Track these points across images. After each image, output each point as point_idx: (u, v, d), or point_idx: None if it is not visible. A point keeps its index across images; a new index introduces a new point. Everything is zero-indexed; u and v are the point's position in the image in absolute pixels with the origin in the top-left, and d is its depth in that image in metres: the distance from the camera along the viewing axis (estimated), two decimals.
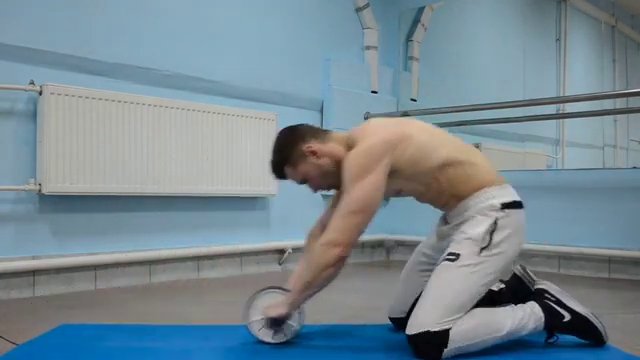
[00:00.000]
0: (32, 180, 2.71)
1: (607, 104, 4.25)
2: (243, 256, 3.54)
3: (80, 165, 2.79)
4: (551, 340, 1.86)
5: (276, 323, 1.86)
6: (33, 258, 2.73)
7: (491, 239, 1.75)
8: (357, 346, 1.90)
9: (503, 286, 1.98)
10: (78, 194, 2.82)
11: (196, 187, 3.23)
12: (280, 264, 3.72)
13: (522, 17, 5.03)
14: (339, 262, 1.76)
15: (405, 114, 4.04)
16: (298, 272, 1.98)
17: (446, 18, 4.74)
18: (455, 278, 1.73)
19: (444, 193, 1.85)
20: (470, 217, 1.79)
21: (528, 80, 4.67)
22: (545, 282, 1.92)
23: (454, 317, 1.68)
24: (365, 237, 2.29)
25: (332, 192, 3.76)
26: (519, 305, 1.82)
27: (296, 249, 3.75)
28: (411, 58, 4.51)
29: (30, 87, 2.70)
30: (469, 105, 3.94)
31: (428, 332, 1.67)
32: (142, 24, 3.13)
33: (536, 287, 1.91)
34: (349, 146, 1.84)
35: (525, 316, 1.78)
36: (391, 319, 2.07)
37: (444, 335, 1.66)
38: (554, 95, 4.74)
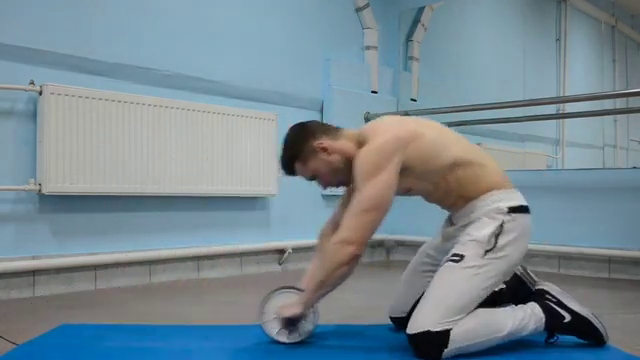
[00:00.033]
0: (32, 180, 2.71)
1: (607, 104, 4.25)
2: (243, 256, 3.54)
3: (80, 165, 2.79)
4: (551, 340, 1.86)
5: (291, 323, 1.86)
6: (33, 258, 2.73)
7: (496, 242, 1.75)
8: (357, 346, 1.90)
9: (504, 286, 1.98)
10: (78, 194, 2.82)
11: (196, 187, 3.23)
12: (280, 264, 3.72)
13: (522, 17, 5.03)
14: (353, 260, 1.76)
15: (405, 114, 4.04)
16: (311, 272, 1.98)
17: (446, 18, 4.74)
18: (458, 279, 1.73)
19: (452, 193, 1.85)
20: (476, 219, 1.79)
21: (528, 80, 4.67)
22: (546, 283, 1.92)
23: (455, 318, 1.68)
24: None
25: (333, 192, 3.75)
26: (520, 306, 1.82)
27: (296, 249, 3.75)
28: (411, 58, 4.51)
29: (30, 87, 2.70)
30: (469, 105, 3.94)
31: (429, 332, 1.67)
32: (142, 24, 3.13)
33: (537, 288, 1.91)
34: (360, 143, 1.84)
35: (526, 317, 1.78)
36: (392, 319, 2.07)
37: (445, 335, 1.66)
38: (554, 95, 4.73)
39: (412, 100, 4.46)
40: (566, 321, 1.83)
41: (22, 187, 2.68)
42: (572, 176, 3.79)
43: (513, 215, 1.78)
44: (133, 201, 3.08)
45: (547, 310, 1.82)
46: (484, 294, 1.74)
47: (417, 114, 3.92)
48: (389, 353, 1.80)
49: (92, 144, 2.83)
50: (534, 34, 5.03)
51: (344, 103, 4.01)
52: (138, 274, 3.08)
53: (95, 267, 2.92)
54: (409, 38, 4.52)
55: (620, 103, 4.34)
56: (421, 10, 4.51)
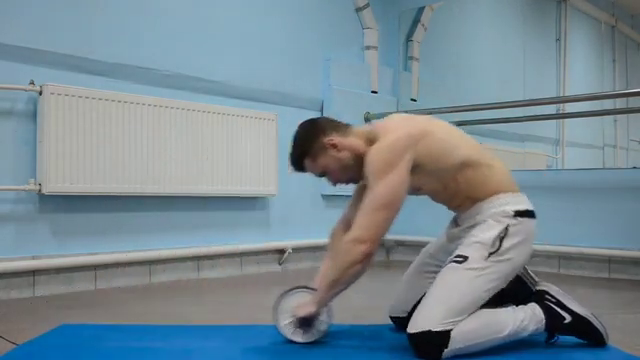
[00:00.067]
0: (32, 180, 2.71)
1: (607, 104, 4.25)
2: (243, 256, 3.54)
3: (80, 165, 2.79)
4: (551, 341, 1.86)
5: (305, 323, 1.86)
6: (33, 258, 2.73)
7: (500, 245, 1.75)
8: (357, 346, 1.90)
9: (504, 286, 1.98)
10: (78, 194, 2.82)
11: (196, 187, 3.23)
12: (280, 264, 3.72)
13: (522, 17, 5.03)
14: (365, 259, 1.75)
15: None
16: (323, 271, 1.98)
17: (446, 18, 4.74)
18: (460, 280, 1.73)
19: (460, 194, 1.85)
20: (482, 221, 1.80)
21: (528, 80, 4.67)
22: (546, 283, 1.92)
23: (456, 319, 1.68)
24: None
25: (333, 192, 3.74)
26: (520, 306, 1.82)
27: (296, 249, 3.76)
28: (411, 58, 4.51)
29: (30, 87, 2.70)
30: (469, 105, 3.94)
31: (429, 332, 1.67)
32: (142, 24, 3.13)
33: (537, 288, 1.90)
34: (370, 141, 1.84)
35: (526, 317, 1.78)
36: (392, 318, 2.07)
37: (445, 335, 1.66)
38: (554, 95, 4.74)
39: (412, 100, 4.46)
40: (566, 322, 1.83)
41: (22, 187, 2.68)
42: (572, 176, 3.79)
43: (519, 219, 1.78)
44: (133, 201, 3.07)
45: (547, 311, 1.82)
46: (486, 296, 1.74)
47: (417, 114, 3.91)
48: (389, 353, 1.80)
49: (92, 144, 2.83)
50: (534, 34, 5.03)
51: (344, 103, 4.01)
52: (138, 274, 3.08)
53: (95, 267, 2.92)
54: (409, 38, 4.52)
55: (620, 103, 4.33)
56: (421, 10, 4.51)
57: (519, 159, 4.66)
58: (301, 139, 1.92)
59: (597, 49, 5.11)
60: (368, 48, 4.29)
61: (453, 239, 1.90)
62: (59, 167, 2.72)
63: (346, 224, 1.95)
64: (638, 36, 5.11)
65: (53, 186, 2.71)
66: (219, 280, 3.31)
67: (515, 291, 1.93)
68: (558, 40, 4.90)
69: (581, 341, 1.87)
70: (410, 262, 2.14)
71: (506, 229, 1.76)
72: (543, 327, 1.81)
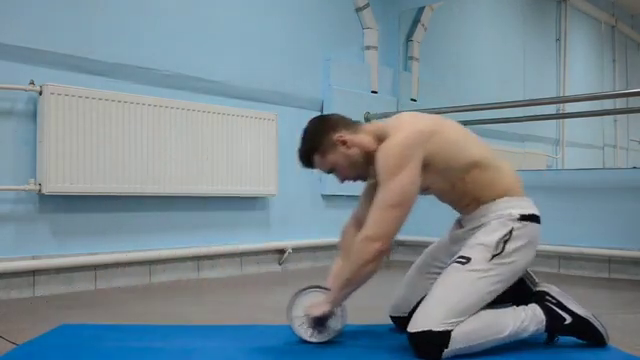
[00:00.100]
0: (32, 180, 2.71)
1: (607, 104, 4.25)
2: (243, 256, 3.54)
3: (80, 165, 2.79)
4: (551, 341, 1.86)
5: (319, 322, 1.86)
6: (33, 258, 2.73)
7: (504, 248, 1.75)
8: (357, 346, 1.90)
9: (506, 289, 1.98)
10: (78, 194, 2.82)
11: (196, 187, 3.23)
12: (280, 264, 3.71)
13: (522, 17, 5.03)
14: (379, 257, 1.74)
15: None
16: (335, 270, 1.98)
17: (446, 18, 4.74)
18: (463, 281, 1.73)
19: (467, 195, 1.85)
20: (486, 223, 1.80)
21: (528, 80, 4.67)
22: (546, 284, 1.92)
23: (457, 319, 1.69)
24: None
25: (334, 192, 3.74)
26: (521, 307, 1.82)
27: (296, 249, 3.76)
28: (411, 58, 4.51)
29: (30, 87, 2.70)
30: (469, 105, 3.94)
31: (430, 331, 1.67)
32: (142, 24, 3.13)
33: (537, 289, 1.90)
34: (379, 138, 1.84)
35: (527, 318, 1.78)
36: (392, 318, 2.07)
37: (445, 336, 1.66)
38: (554, 95, 4.73)
39: (412, 100, 4.46)
40: (567, 323, 1.83)
41: (22, 187, 2.68)
42: (572, 176, 3.78)
43: (523, 223, 1.78)
44: (133, 201, 3.07)
45: (548, 312, 1.82)
46: (488, 298, 1.74)
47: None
48: (389, 353, 1.80)
49: (92, 144, 2.83)
50: (534, 34, 5.03)
51: (344, 103, 4.01)
52: (138, 274, 3.08)
53: (95, 267, 2.92)
54: (409, 38, 4.51)
55: (620, 103, 4.33)
56: (421, 10, 4.51)
57: (519, 159, 4.66)
58: (310, 135, 1.91)
59: (597, 49, 5.11)
60: (368, 48, 4.29)
61: (457, 241, 1.90)
62: (59, 167, 2.72)
63: (357, 222, 1.96)
64: (638, 36, 5.10)
65: (53, 186, 2.71)
66: (219, 280, 3.31)
67: (515, 291, 1.94)
68: (558, 40, 4.90)
69: (581, 341, 1.87)
70: (411, 262, 2.14)
71: (510, 232, 1.76)
72: (543, 328, 1.81)
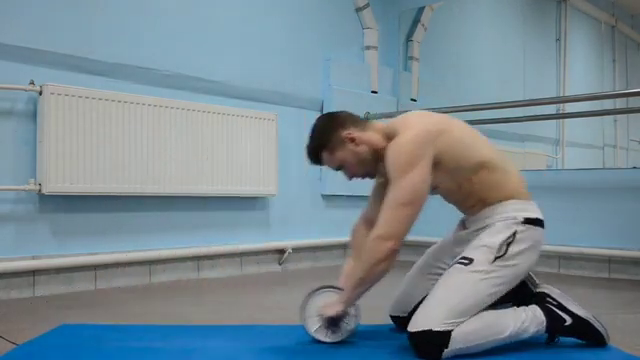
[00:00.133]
0: (32, 180, 2.71)
1: (607, 104, 4.25)
2: (243, 256, 3.54)
3: (80, 165, 2.79)
4: (552, 342, 1.86)
5: (333, 322, 1.86)
6: (33, 258, 2.73)
7: (507, 250, 1.75)
8: (357, 346, 1.90)
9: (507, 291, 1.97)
10: (78, 194, 2.82)
11: (196, 187, 3.23)
12: (280, 264, 3.71)
13: (522, 17, 5.03)
14: (392, 256, 1.75)
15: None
16: (347, 270, 1.98)
17: (446, 18, 4.74)
18: (465, 282, 1.73)
19: (473, 196, 1.85)
20: (490, 225, 1.80)
21: (528, 80, 4.67)
22: (547, 286, 1.92)
23: (457, 320, 1.69)
24: None
25: (334, 192, 3.74)
26: (521, 308, 1.82)
27: (296, 249, 3.76)
28: (411, 58, 4.51)
29: (30, 87, 2.70)
30: (469, 105, 3.94)
31: (430, 331, 1.67)
32: (142, 24, 3.13)
33: (538, 291, 1.90)
34: (388, 136, 1.84)
35: (527, 319, 1.78)
36: (392, 317, 2.07)
37: (446, 336, 1.66)
38: (554, 95, 4.73)
39: (412, 100, 4.46)
40: (567, 324, 1.83)
41: (22, 187, 2.68)
42: (572, 176, 3.78)
43: (527, 226, 1.78)
44: (133, 201, 3.07)
45: (548, 313, 1.82)
46: (489, 300, 1.74)
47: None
48: (389, 353, 1.80)
49: (92, 144, 2.83)
50: (534, 34, 5.03)
51: (344, 103, 3.99)
52: (138, 274, 3.08)
53: (95, 267, 2.92)
54: (409, 38, 4.51)
55: (620, 103, 4.33)
56: (421, 10, 4.51)
57: (519, 159, 4.66)
58: (319, 132, 1.91)
59: (597, 49, 5.11)
60: (368, 48, 4.29)
61: (460, 242, 1.90)
62: (59, 167, 2.72)
63: (367, 221, 1.96)
64: (638, 36, 5.10)
65: (53, 186, 2.71)
66: (219, 280, 3.31)
67: (516, 292, 1.94)
68: (558, 40, 4.90)
69: (582, 341, 1.87)
70: (411, 262, 2.14)
71: (514, 235, 1.76)
72: (544, 329, 1.81)
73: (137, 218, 3.10)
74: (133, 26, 3.09)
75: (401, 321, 1.97)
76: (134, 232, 3.08)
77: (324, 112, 3.95)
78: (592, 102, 3.87)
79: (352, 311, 1.88)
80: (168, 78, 3.22)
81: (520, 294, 1.91)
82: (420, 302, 1.81)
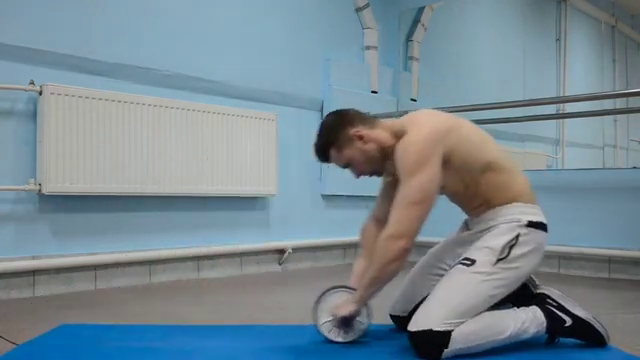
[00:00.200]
0: (32, 180, 2.71)
1: (607, 104, 4.25)
2: (243, 256, 3.54)
3: (80, 165, 2.79)
4: (552, 342, 1.86)
5: (345, 322, 1.86)
6: (33, 258, 2.73)
7: (509, 252, 1.75)
8: (357, 346, 1.89)
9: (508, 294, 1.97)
10: (78, 194, 2.82)
11: (196, 187, 3.23)
12: (280, 264, 3.71)
13: (522, 17, 5.03)
14: (404, 255, 1.74)
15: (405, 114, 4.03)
16: (357, 270, 1.98)
17: (446, 18, 4.74)
18: (466, 282, 1.73)
19: (479, 196, 1.85)
20: (494, 227, 1.80)
21: (528, 80, 4.67)
22: (547, 287, 1.92)
23: (458, 320, 1.69)
24: None
25: (334, 192, 3.74)
26: (522, 309, 1.82)
27: (296, 249, 3.75)
28: (411, 58, 4.51)
29: (30, 87, 2.70)
30: (469, 105, 3.94)
31: (430, 331, 1.67)
32: (142, 24, 3.13)
33: (538, 292, 1.90)
34: (396, 134, 1.84)
35: (527, 320, 1.78)
36: (392, 317, 2.07)
37: (446, 336, 1.66)
38: (554, 95, 4.74)
39: (412, 100, 4.46)
40: (567, 325, 1.83)
41: (22, 187, 2.68)
42: (572, 176, 3.78)
43: (530, 229, 1.79)
44: (133, 201, 3.07)
45: (548, 314, 1.82)
46: (490, 301, 1.74)
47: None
48: (389, 353, 1.80)
49: (92, 144, 2.83)
50: (534, 34, 5.03)
51: (344, 103, 3.96)
52: (138, 274, 3.08)
53: (95, 267, 2.92)
54: (409, 38, 4.51)
55: (620, 103, 4.33)
56: (421, 10, 4.51)
57: (519, 159, 4.66)
58: (327, 129, 1.91)
59: (597, 49, 5.11)
60: (368, 48, 4.29)
61: (463, 243, 1.90)
62: (59, 167, 2.72)
63: (376, 220, 1.96)
64: (638, 36, 5.11)
65: (53, 186, 2.71)
66: (219, 280, 3.31)
67: (516, 292, 1.94)
68: (558, 40, 4.90)
69: (582, 342, 1.87)
70: (413, 262, 2.14)
71: (517, 237, 1.76)
72: (544, 330, 1.81)
73: (137, 218, 3.10)
74: (133, 26, 3.09)
75: (401, 321, 1.97)
76: (134, 232, 3.08)
77: (324, 112, 3.99)
78: (592, 102, 3.87)
79: (364, 311, 1.88)
80: (168, 78, 3.22)
81: (520, 295, 1.90)
82: (421, 302, 1.81)
